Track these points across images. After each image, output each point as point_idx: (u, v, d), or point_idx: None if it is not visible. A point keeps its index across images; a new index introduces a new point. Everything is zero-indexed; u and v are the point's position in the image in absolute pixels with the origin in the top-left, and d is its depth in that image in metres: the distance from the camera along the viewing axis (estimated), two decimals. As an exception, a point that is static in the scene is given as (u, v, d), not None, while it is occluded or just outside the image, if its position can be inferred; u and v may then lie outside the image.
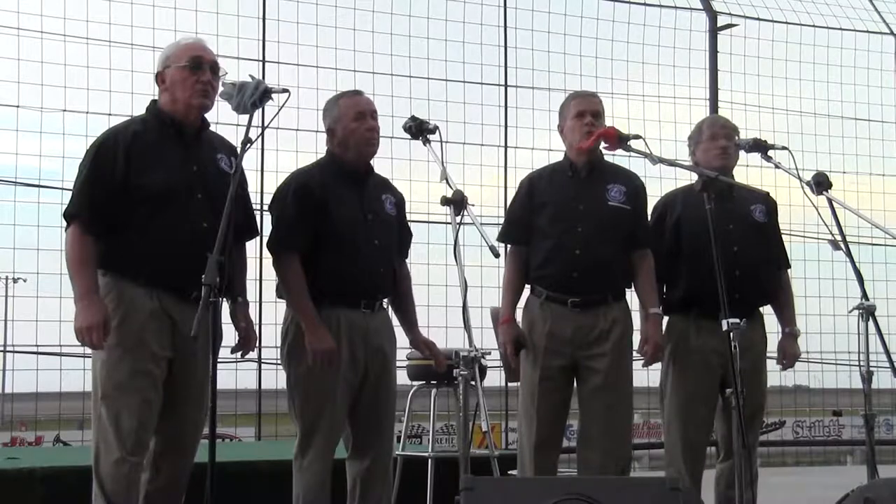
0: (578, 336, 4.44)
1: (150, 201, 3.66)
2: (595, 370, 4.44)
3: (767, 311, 4.83)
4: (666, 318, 4.74)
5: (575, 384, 4.53)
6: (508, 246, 4.75)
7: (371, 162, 4.31)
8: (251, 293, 4.11)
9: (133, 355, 3.61)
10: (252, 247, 4.45)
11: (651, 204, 4.79)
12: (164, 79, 3.79)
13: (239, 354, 3.92)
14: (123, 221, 3.64)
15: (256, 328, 3.97)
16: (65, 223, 3.72)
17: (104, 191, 3.64)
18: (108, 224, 3.65)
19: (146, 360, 3.62)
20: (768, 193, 4.81)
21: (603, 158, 4.59)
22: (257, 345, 3.90)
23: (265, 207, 4.59)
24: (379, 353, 4.17)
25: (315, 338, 4.01)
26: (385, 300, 4.31)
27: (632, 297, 4.64)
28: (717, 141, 4.68)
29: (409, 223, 4.48)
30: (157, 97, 3.87)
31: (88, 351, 3.70)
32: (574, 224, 4.47)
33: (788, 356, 4.72)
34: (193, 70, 3.74)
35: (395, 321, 4.40)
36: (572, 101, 4.59)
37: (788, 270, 4.89)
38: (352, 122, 4.19)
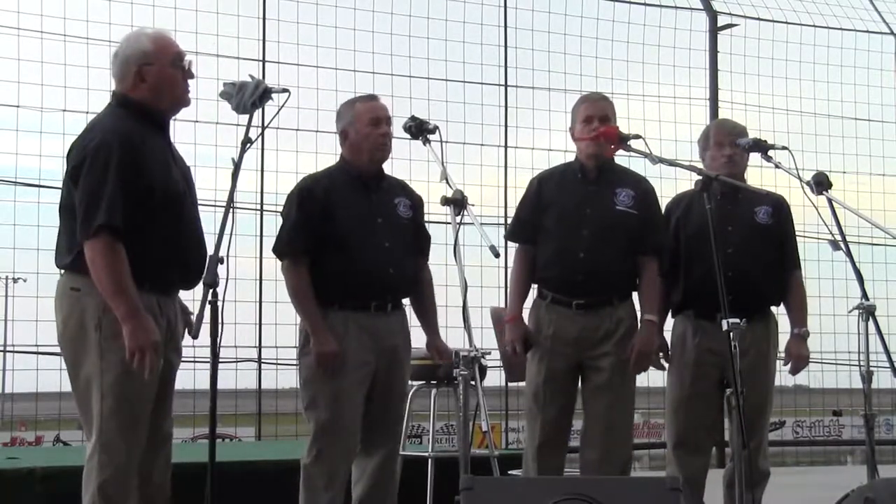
0: (583, 337, 4.44)
1: (161, 205, 3.51)
2: (599, 369, 4.44)
3: (782, 311, 4.79)
4: (671, 320, 4.75)
5: (579, 384, 4.53)
6: (514, 245, 4.74)
7: (384, 165, 4.32)
8: (251, 293, 4.11)
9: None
10: (252, 247, 4.45)
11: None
12: (144, 76, 3.58)
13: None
14: (130, 227, 3.43)
15: (256, 328, 3.95)
16: (81, 232, 3.39)
17: (130, 197, 3.42)
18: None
19: (155, 371, 3.49)
20: (781, 196, 4.75)
21: (613, 161, 4.55)
22: (256, 344, 3.87)
23: (265, 207, 4.60)
24: (390, 353, 4.18)
25: (319, 341, 4.05)
26: (402, 301, 4.31)
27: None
28: (723, 149, 4.65)
29: (425, 225, 4.45)
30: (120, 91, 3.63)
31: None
32: (579, 227, 4.46)
33: (794, 358, 4.67)
34: (181, 69, 3.62)
35: (414, 322, 4.42)
36: (582, 104, 4.57)
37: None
38: (366, 127, 4.19)
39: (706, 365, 4.57)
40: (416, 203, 4.38)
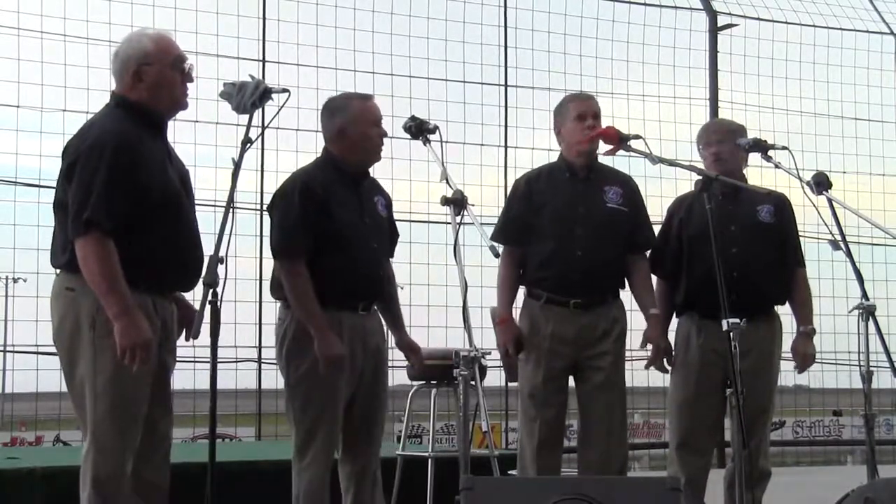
0: (582, 336, 4.45)
1: (159, 206, 3.50)
2: (598, 368, 4.46)
3: (786, 311, 4.78)
4: (675, 320, 4.76)
5: (572, 383, 4.55)
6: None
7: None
8: (251, 293, 4.09)
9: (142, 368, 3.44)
10: (252, 247, 4.44)
11: (649, 204, 4.79)
12: (142, 76, 3.57)
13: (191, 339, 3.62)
14: (127, 227, 3.43)
15: (256, 328, 3.93)
16: (72, 230, 3.39)
17: (125, 197, 3.40)
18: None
19: (151, 371, 3.49)
20: (783, 195, 4.75)
21: (598, 160, 4.59)
22: (256, 344, 3.85)
23: (265, 207, 4.57)
24: (376, 354, 4.17)
25: (325, 343, 3.94)
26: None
27: (628, 296, 4.64)
28: (710, 148, 4.68)
29: (396, 223, 4.45)
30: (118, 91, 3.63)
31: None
32: (573, 226, 4.48)
33: (800, 356, 4.66)
34: (181, 71, 3.61)
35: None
36: (570, 103, 4.59)
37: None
38: (368, 128, 4.14)
39: (710, 365, 4.56)
40: (389, 202, 4.38)
